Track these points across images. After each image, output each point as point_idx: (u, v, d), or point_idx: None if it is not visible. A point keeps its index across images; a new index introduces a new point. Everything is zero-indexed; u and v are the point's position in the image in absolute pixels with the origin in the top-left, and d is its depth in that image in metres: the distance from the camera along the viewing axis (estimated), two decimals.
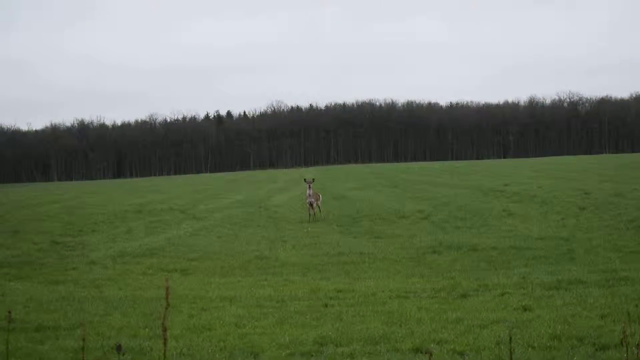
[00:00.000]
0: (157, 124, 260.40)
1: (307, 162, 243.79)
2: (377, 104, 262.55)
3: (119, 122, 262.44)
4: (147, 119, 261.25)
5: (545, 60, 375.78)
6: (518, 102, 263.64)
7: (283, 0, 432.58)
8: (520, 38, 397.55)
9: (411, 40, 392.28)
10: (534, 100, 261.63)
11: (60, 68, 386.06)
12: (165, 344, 5.28)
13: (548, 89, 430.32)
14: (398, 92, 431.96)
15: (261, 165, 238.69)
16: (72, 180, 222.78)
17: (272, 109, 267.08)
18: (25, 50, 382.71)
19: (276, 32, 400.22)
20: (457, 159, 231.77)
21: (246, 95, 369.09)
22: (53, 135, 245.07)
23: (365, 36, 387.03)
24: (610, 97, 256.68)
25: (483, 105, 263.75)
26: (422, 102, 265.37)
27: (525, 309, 13.75)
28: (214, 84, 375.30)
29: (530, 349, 10.92)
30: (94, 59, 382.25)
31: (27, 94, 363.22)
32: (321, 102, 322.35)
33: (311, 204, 36.30)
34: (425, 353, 10.84)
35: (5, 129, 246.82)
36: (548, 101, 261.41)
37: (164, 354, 5.45)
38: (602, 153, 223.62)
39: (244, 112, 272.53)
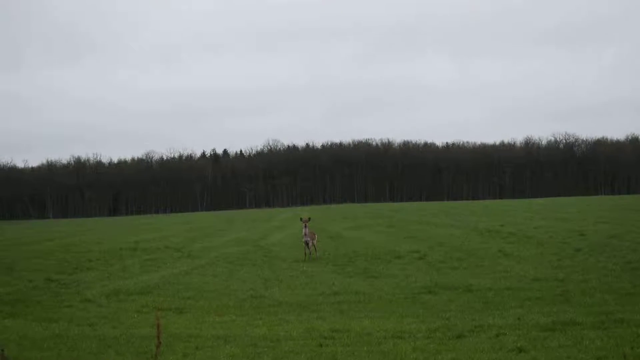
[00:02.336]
0: (153, 162, 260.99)
1: (303, 201, 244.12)
2: (374, 143, 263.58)
3: (115, 160, 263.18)
4: (144, 157, 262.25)
5: (541, 101, 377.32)
6: (514, 143, 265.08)
7: (280, 41, 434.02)
8: (517, 79, 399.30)
9: (409, 81, 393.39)
10: (530, 141, 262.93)
11: (58, 106, 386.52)
12: None
13: (544, 129, 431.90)
14: (394, 132, 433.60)
15: (257, 204, 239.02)
16: (67, 217, 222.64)
17: (269, 147, 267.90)
18: (22, 87, 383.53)
19: (273, 72, 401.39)
20: (453, 199, 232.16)
21: (243, 134, 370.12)
22: (49, 172, 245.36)
23: (364, 77, 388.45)
24: (606, 139, 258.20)
25: (479, 145, 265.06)
26: (418, 142, 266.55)
27: (520, 350, 13.71)
28: (210, 122, 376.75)
29: None
30: (91, 97, 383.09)
31: (24, 131, 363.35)
32: (317, 141, 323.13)
33: (307, 243, 36.27)
34: None
35: (2, 166, 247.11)
36: (544, 142, 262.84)
37: None
38: (598, 194, 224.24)
39: (240, 151, 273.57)
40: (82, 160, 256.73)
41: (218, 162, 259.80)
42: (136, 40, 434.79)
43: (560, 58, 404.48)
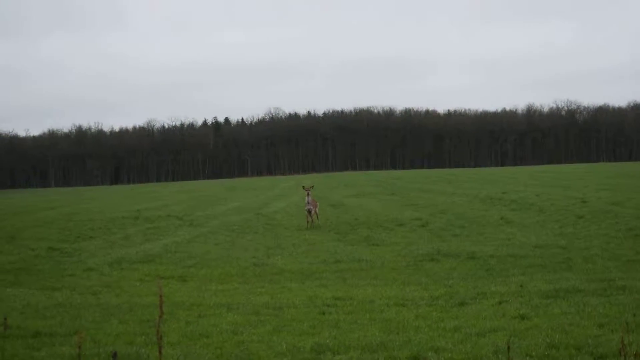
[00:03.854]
0: (155, 130, 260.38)
1: (304, 169, 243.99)
2: (375, 111, 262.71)
3: (116, 129, 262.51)
4: (145, 126, 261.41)
5: (543, 69, 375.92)
6: (516, 110, 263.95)
7: (282, 9, 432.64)
8: (521, 46, 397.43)
9: (413, 49, 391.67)
10: (531, 108, 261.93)
11: (58, 76, 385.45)
12: (160, 351, 5.26)
13: (546, 97, 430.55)
14: (396, 100, 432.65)
15: (259, 172, 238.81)
16: (69, 186, 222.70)
17: (270, 116, 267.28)
18: (24, 57, 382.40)
19: (279, 41, 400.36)
20: (455, 166, 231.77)
21: (244, 103, 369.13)
22: (51, 141, 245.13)
23: (367, 46, 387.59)
24: (608, 106, 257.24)
25: (481, 113, 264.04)
26: (420, 109, 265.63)
27: (523, 317, 13.70)
28: (213, 90, 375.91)
29: (528, 358, 10.86)
30: (94, 65, 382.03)
31: (26, 100, 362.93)
32: (319, 109, 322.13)
33: (309, 211, 36.28)
34: None
35: (3, 135, 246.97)
36: (546, 109, 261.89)
37: None
38: (600, 161, 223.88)
39: (242, 119, 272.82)
40: (84, 129, 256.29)
41: (219, 131, 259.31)
42: (141, 9, 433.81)
43: (563, 25, 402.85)
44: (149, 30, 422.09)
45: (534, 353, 11.10)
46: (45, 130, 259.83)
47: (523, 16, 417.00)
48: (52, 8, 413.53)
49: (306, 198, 36.48)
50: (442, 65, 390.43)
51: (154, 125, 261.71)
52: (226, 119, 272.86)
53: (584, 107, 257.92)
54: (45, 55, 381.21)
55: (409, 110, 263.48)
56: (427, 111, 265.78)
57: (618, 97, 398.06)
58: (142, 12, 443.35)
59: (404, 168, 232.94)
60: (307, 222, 36.28)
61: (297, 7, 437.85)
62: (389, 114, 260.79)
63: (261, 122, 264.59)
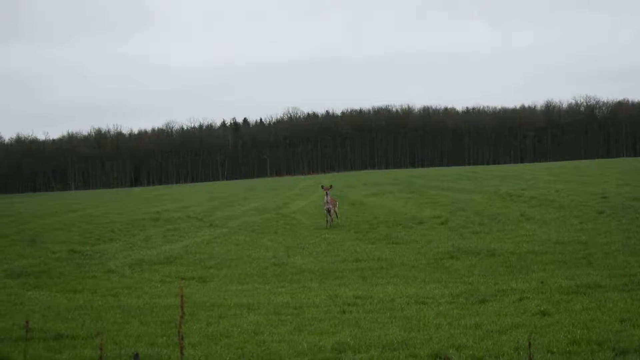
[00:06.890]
0: (173, 132, 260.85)
1: (323, 169, 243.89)
2: (394, 109, 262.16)
3: (135, 131, 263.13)
4: (164, 127, 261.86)
5: (563, 64, 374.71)
6: (535, 107, 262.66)
7: (298, 10, 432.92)
8: (541, 44, 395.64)
9: (433, 48, 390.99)
10: (550, 105, 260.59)
11: (79, 79, 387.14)
12: (182, 352, 5.27)
13: (565, 93, 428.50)
14: (415, 99, 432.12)
15: (278, 172, 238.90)
16: (89, 189, 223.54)
17: (289, 115, 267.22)
18: (43, 61, 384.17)
19: (290, 42, 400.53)
20: (474, 163, 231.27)
21: (263, 104, 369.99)
22: (70, 144, 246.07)
23: (384, 44, 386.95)
24: (628, 101, 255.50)
25: (500, 109, 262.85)
26: (438, 107, 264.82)
27: (544, 313, 13.68)
28: (231, 91, 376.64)
29: (549, 354, 10.86)
30: (113, 68, 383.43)
31: (46, 104, 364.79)
32: (337, 108, 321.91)
33: (329, 211, 36.27)
34: (444, 359, 10.82)
35: (23, 138, 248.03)
36: (565, 105, 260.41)
37: None
38: (620, 157, 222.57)
39: (260, 119, 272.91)
40: (103, 132, 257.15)
41: (238, 131, 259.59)
42: (160, 12, 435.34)
43: (583, 23, 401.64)
44: (166, 33, 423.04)
45: (555, 349, 11.08)
46: (65, 134, 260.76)
47: (543, 11, 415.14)
48: (74, 11, 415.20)
49: (325, 197, 36.47)
50: (460, 62, 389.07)
51: (172, 127, 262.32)
52: (245, 120, 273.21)
53: (603, 103, 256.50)
54: (66, 59, 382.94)
55: (428, 108, 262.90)
56: (446, 109, 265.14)
57: (637, 91, 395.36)
58: (160, 16, 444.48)
59: (423, 166, 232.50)
60: (327, 221, 36.28)
61: (310, 7, 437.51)
62: (407, 112, 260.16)
63: (280, 122, 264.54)
